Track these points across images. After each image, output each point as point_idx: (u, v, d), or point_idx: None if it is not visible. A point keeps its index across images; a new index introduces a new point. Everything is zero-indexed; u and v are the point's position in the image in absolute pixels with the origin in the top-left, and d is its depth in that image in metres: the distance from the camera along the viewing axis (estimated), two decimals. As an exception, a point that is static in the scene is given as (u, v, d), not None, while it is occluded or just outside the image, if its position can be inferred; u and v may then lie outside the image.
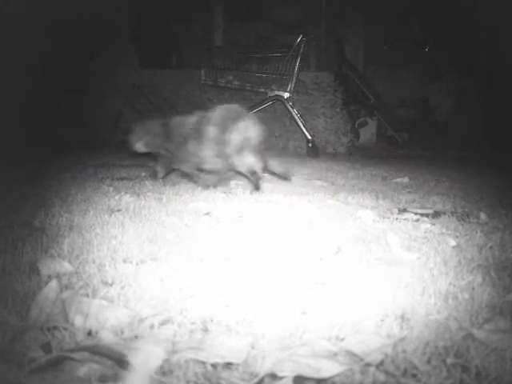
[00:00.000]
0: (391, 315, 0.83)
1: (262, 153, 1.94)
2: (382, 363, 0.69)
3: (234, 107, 1.98)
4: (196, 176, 2.09)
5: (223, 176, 2.10)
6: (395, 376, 0.66)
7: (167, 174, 2.20)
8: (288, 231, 1.37)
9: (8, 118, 2.76)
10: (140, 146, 2.12)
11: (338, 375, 0.66)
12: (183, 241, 1.24)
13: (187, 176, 2.13)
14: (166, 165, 2.15)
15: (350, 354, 0.71)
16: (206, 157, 1.96)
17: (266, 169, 2.02)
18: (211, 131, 1.90)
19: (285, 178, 2.08)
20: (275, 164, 2.01)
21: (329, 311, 0.84)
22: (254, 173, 1.96)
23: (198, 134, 1.94)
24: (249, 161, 1.92)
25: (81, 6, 3.38)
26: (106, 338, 0.74)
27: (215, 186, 2.05)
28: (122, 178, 2.21)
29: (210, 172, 2.04)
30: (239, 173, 2.04)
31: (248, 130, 1.89)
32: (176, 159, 2.06)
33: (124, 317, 0.79)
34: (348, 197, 1.91)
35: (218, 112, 1.94)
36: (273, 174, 2.07)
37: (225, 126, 1.89)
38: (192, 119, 1.99)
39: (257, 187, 1.96)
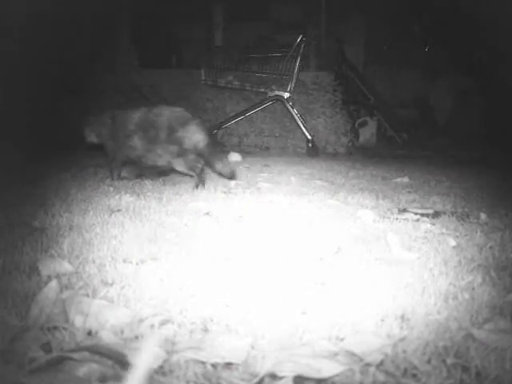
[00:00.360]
0: (391, 315, 0.83)
1: (208, 154, 2.03)
2: (382, 363, 0.69)
3: (179, 110, 2.07)
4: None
5: (164, 171, 2.20)
6: (395, 376, 0.66)
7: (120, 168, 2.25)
8: (288, 231, 1.37)
9: (8, 118, 2.76)
10: (93, 138, 2.19)
11: (338, 375, 0.66)
12: (183, 241, 1.24)
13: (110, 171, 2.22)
14: (117, 159, 2.21)
15: (350, 354, 0.71)
16: (148, 153, 2.05)
17: (212, 169, 2.11)
18: (159, 132, 2.00)
19: (230, 178, 2.14)
20: (222, 165, 2.09)
21: (329, 311, 0.84)
22: (195, 170, 2.04)
23: (141, 130, 2.03)
24: (190, 160, 2.02)
25: (81, 5, 3.38)
26: (106, 337, 0.74)
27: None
28: (122, 178, 2.20)
29: (151, 167, 2.16)
30: (178, 171, 2.11)
31: (194, 135, 1.99)
32: (119, 153, 2.14)
33: (124, 317, 0.79)
34: (348, 197, 1.91)
35: (166, 114, 2.03)
36: (219, 174, 2.14)
37: (172, 130, 1.98)
38: (136, 115, 2.07)
39: (201, 183, 2.04)
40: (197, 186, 2.01)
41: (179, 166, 2.04)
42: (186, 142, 1.98)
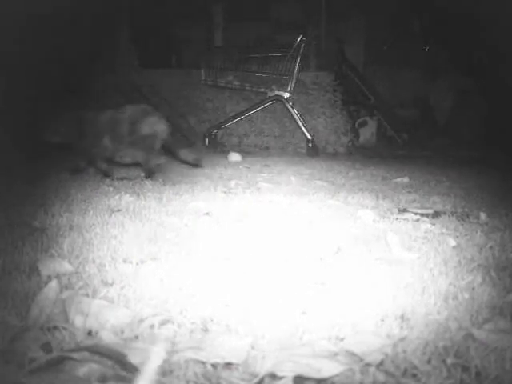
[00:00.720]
0: (391, 315, 0.83)
1: (171, 145, 2.17)
2: (382, 363, 0.68)
3: (143, 107, 2.19)
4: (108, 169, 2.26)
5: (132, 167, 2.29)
6: (395, 376, 0.66)
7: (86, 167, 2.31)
8: (288, 231, 1.37)
9: (8, 118, 2.76)
10: (57, 137, 2.24)
11: (338, 375, 0.66)
12: (183, 241, 1.24)
13: (100, 170, 2.27)
14: (83, 157, 2.28)
15: (350, 354, 0.71)
16: (117, 151, 2.15)
17: (177, 158, 2.25)
18: (122, 128, 2.10)
19: (196, 165, 2.27)
20: (187, 153, 2.22)
21: (329, 311, 0.84)
22: (147, 163, 2.17)
23: (110, 130, 2.12)
24: (150, 154, 2.14)
25: (81, 5, 3.37)
26: (106, 338, 0.73)
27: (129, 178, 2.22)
28: (122, 178, 2.20)
29: (121, 165, 2.26)
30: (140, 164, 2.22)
31: (155, 126, 2.10)
32: (89, 152, 2.21)
33: (124, 317, 0.79)
34: (348, 197, 1.91)
35: (128, 111, 2.13)
36: (185, 162, 2.26)
37: (134, 124, 2.09)
38: (105, 116, 2.15)
39: (149, 175, 2.16)
40: (147, 176, 2.13)
41: (139, 155, 2.14)
42: (145, 130, 2.08)
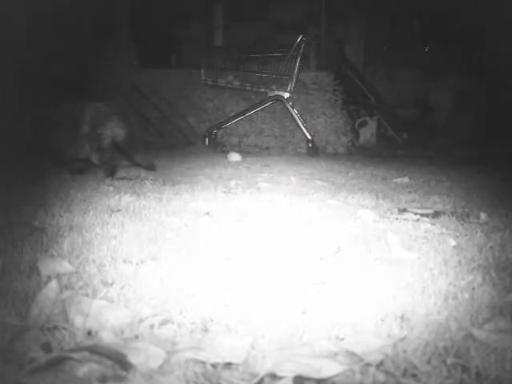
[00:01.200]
0: (391, 315, 0.83)
1: (127, 147, 2.22)
2: (382, 363, 0.68)
3: (102, 108, 2.23)
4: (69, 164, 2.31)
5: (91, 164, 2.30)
6: (395, 376, 0.66)
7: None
8: (288, 231, 1.37)
9: (7, 118, 2.76)
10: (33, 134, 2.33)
11: (337, 375, 0.66)
12: (183, 240, 1.24)
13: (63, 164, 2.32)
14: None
15: (350, 354, 0.71)
16: (79, 148, 2.19)
17: (132, 161, 2.32)
18: (83, 127, 2.15)
19: (150, 168, 2.33)
20: (141, 157, 2.29)
21: (329, 311, 0.84)
22: (107, 162, 2.21)
23: (70, 127, 2.18)
24: (109, 153, 2.19)
25: (81, 5, 3.37)
26: (106, 338, 0.73)
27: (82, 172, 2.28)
28: (122, 178, 2.21)
29: (80, 160, 2.29)
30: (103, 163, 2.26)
31: (113, 130, 2.15)
32: (55, 147, 2.26)
33: (124, 317, 0.79)
34: (348, 196, 1.91)
35: (87, 110, 2.18)
36: (138, 165, 2.33)
37: (92, 123, 2.15)
38: (65, 110, 2.22)
39: (110, 174, 2.20)
40: (107, 176, 2.16)
41: (95, 159, 2.20)
42: (102, 131, 2.13)
